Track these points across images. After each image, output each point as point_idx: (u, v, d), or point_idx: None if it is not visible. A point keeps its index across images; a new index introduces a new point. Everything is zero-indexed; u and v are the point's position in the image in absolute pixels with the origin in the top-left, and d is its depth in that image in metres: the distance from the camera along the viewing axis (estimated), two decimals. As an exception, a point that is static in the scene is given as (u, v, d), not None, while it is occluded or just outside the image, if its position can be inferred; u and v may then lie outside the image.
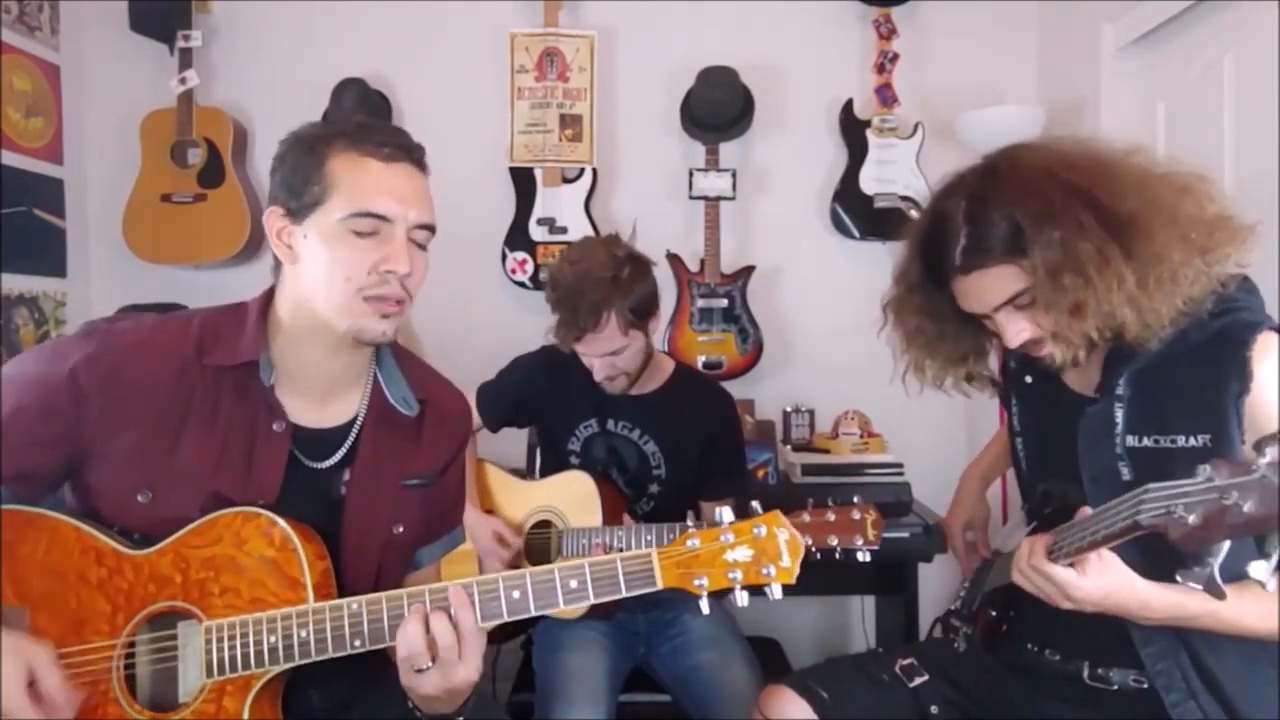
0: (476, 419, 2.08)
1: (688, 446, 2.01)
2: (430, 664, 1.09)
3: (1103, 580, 1.12)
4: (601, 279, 1.80)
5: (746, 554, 1.08)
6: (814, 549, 1.50)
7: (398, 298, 1.19)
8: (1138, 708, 1.25)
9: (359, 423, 1.28)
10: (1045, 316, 1.19)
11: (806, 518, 1.50)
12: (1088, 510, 1.12)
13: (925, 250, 1.29)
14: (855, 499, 1.51)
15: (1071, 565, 1.13)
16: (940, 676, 1.45)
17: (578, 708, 1.76)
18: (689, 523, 1.13)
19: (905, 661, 1.48)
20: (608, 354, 1.87)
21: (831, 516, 1.47)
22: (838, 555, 1.51)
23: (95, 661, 1.14)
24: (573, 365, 1.93)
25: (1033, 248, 1.15)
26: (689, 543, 1.09)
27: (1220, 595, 0.93)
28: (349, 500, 1.26)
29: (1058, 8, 2.80)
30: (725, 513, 1.10)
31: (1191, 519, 0.91)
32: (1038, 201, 1.15)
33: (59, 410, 1.15)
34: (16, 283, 2.56)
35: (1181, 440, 1.18)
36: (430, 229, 1.23)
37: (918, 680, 1.45)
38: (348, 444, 1.27)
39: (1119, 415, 1.24)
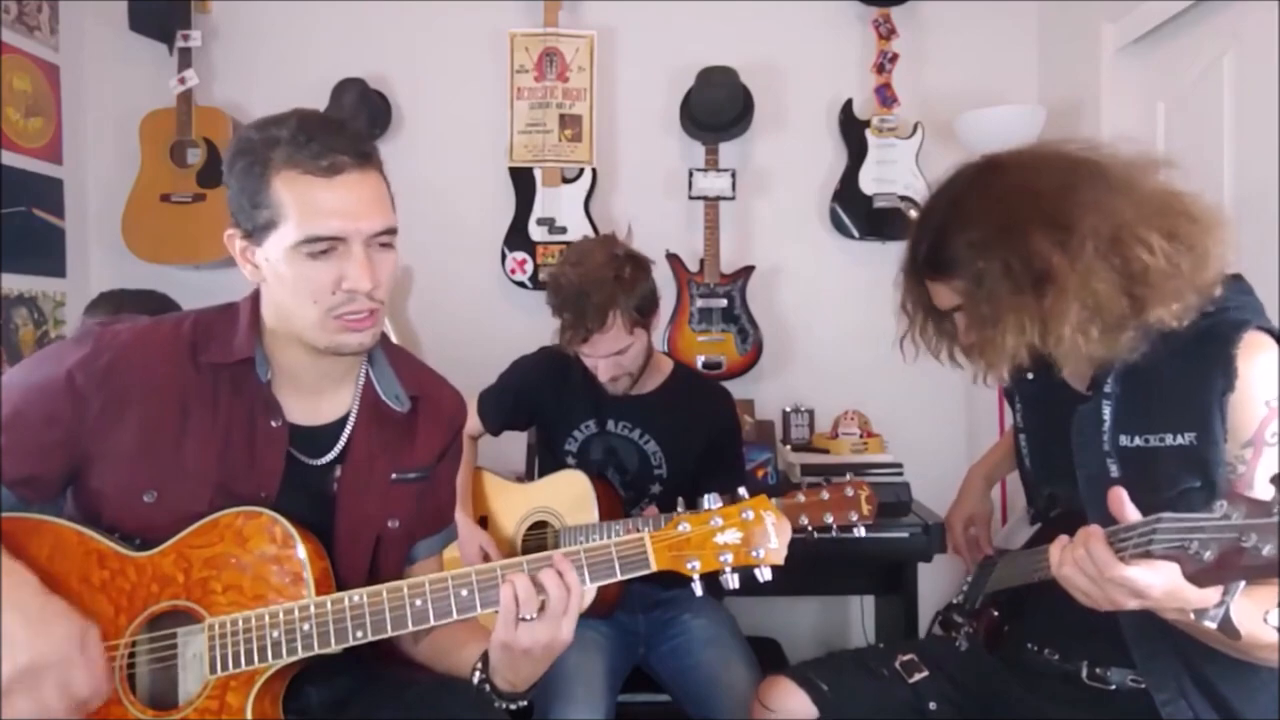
0: (477, 424, 2.09)
1: (688, 445, 2.01)
2: (535, 614, 1.11)
3: (1163, 573, 1.04)
4: (605, 279, 1.79)
5: (736, 536, 1.14)
6: (810, 528, 1.53)
7: (368, 310, 1.17)
8: (1135, 708, 1.25)
9: (351, 419, 1.28)
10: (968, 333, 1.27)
11: (801, 498, 1.54)
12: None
13: (910, 242, 1.34)
14: (848, 476, 1.54)
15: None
16: (940, 673, 1.45)
17: (577, 707, 1.75)
18: (679, 510, 1.17)
19: (906, 657, 1.48)
20: (613, 354, 1.86)
21: (826, 495, 1.51)
22: (834, 533, 1.54)
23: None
24: (572, 366, 1.93)
25: (963, 273, 1.22)
26: (680, 527, 1.14)
27: (1235, 636, 0.92)
28: (341, 496, 1.26)
29: (1058, 8, 2.80)
30: (712, 499, 1.16)
31: (1208, 555, 0.90)
32: (982, 231, 1.20)
33: (58, 415, 1.15)
34: (16, 283, 2.57)
35: (1170, 439, 1.18)
36: (391, 231, 1.18)
37: (918, 676, 1.45)
38: (342, 441, 1.27)
39: (1107, 413, 1.25)
